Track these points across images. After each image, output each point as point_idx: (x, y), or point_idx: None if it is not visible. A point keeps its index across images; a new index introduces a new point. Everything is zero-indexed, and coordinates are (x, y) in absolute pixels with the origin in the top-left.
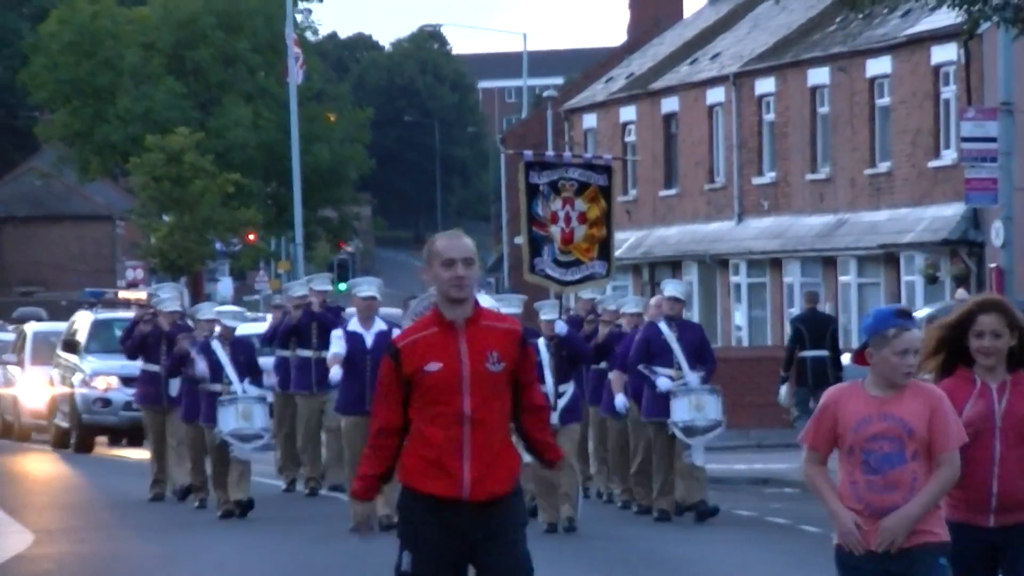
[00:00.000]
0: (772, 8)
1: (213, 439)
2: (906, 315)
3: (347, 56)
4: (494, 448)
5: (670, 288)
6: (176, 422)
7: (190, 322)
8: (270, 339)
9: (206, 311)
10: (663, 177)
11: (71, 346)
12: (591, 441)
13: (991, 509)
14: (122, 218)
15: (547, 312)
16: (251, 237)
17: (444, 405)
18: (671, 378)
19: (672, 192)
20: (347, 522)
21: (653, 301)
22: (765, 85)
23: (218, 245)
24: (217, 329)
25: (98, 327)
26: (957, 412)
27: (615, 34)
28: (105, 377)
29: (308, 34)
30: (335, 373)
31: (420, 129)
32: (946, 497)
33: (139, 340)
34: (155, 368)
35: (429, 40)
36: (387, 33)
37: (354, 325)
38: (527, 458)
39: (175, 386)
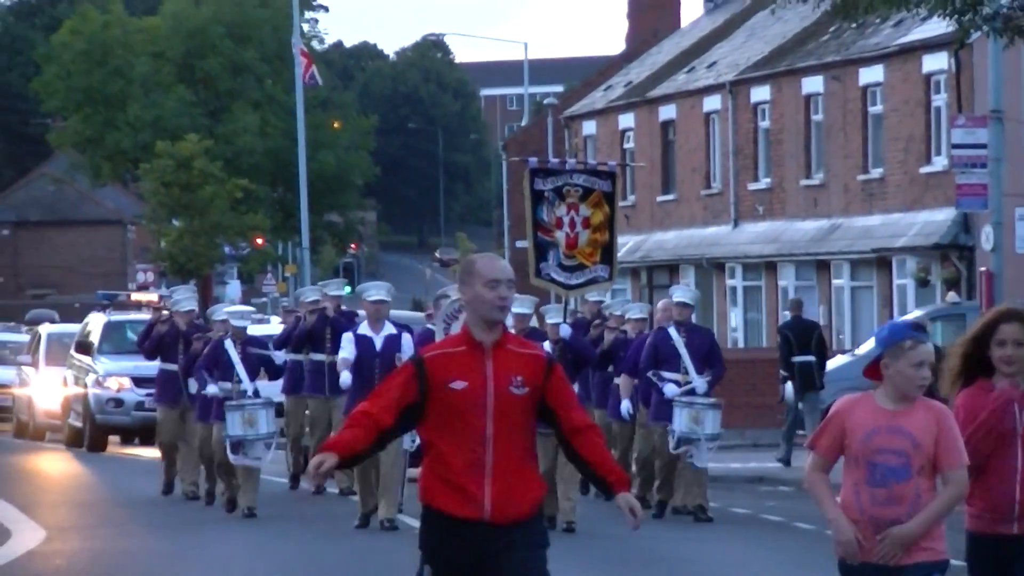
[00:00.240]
0: (767, 18)
1: (222, 436)
2: (921, 329)
3: (352, 65)
4: (515, 471)
5: (679, 294)
6: (192, 423)
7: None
8: (283, 343)
9: (220, 312)
10: (661, 183)
11: (84, 347)
12: None
13: (1014, 517)
14: (133, 223)
15: (552, 316)
16: (259, 241)
17: (466, 425)
18: (678, 383)
19: (670, 197)
20: (353, 521)
21: (661, 305)
22: (760, 93)
23: (227, 249)
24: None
25: (111, 329)
26: (973, 422)
27: (614, 43)
28: (118, 378)
29: (314, 43)
30: (345, 378)
31: (424, 136)
32: (967, 507)
33: (157, 341)
34: (173, 367)
35: (432, 49)
36: (391, 42)
37: (364, 328)
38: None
39: (194, 385)
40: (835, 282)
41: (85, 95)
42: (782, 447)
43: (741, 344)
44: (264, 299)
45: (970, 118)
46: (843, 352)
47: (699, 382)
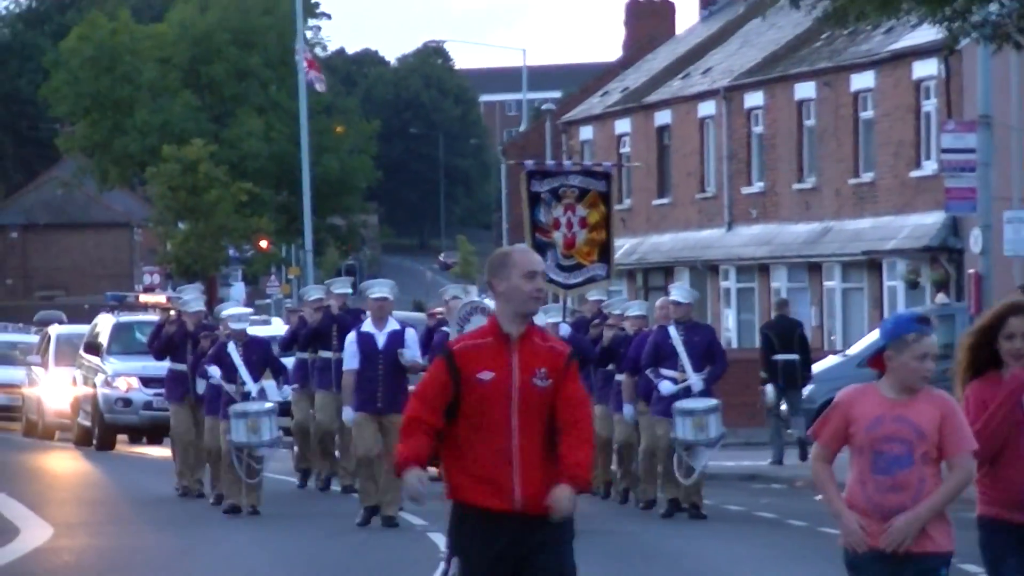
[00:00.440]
0: (761, 25)
1: (226, 436)
2: (926, 321)
3: (355, 71)
4: (541, 462)
5: (674, 292)
6: (201, 415)
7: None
8: (290, 343)
9: (223, 314)
10: (656, 187)
11: (93, 348)
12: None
13: None
14: (140, 225)
15: (551, 315)
16: (263, 244)
17: (492, 416)
18: (675, 380)
19: (665, 201)
20: (355, 518)
21: (659, 304)
22: (754, 99)
23: (231, 251)
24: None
25: (119, 330)
26: (986, 415)
27: (611, 50)
28: (126, 378)
29: (317, 50)
30: (349, 408)
31: (425, 141)
32: (981, 494)
33: (166, 341)
34: (182, 367)
35: (433, 56)
36: (393, 49)
37: (367, 326)
38: None
39: (202, 384)
40: (827, 284)
41: (93, 100)
42: (773, 451)
43: (735, 344)
44: (268, 300)
45: (959, 123)
46: (834, 352)
47: (695, 380)
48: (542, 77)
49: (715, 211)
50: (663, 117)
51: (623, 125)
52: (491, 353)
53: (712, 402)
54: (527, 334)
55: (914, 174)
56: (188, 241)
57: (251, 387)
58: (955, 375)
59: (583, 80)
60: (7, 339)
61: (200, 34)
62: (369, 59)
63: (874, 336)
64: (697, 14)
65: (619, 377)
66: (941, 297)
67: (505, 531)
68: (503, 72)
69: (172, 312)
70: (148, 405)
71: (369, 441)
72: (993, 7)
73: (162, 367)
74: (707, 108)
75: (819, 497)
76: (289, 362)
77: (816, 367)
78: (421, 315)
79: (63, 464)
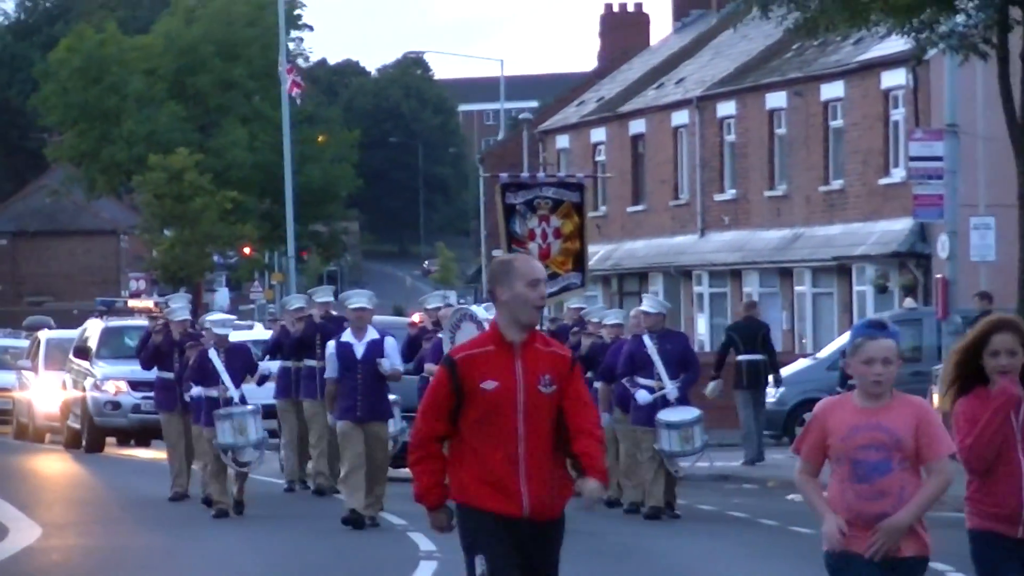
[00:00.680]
0: (733, 36)
1: (213, 440)
2: (876, 326)
3: (336, 81)
4: (549, 468)
5: (645, 303)
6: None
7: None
8: (273, 352)
9: (206, 321)
10: (631, 194)
11: (83, 352)
12: None
13: (1020, 521)
14: (127, 233)
15: None
16: (247, 251)
17: (499, 424)
18: (651, 389)
19: (640, 208)
20: (339, 520)
21: (632, 313)
22: (726, 108)
23: (216, 258)
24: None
25: (108, 334)
26: (974, 428)
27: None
28: (115, 381)
29: (300, 61)
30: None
31: (405, 150)
32: (972, 508)
33: (153, 350)
34: (169, 375)
35: (413, 66)
36: (374, 60)
37: (347, 336)
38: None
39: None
40: (797, 289)
41: (81, 110)
42: (746, 447)
43: (708, 348)
44: (252, 306)
45: (927, 132)
46: (805, 356)
47: (671, 388)
48: (519, 87)
49: (688, 218)
50: (637, 126)
51: (599, 134)
52: (494, 361)
53: (695, 412)
54: (529, 340)
55: (883, 181)
56: (174, 248)
57: (233, 393)
58: (942, 392)
59: (559, 90)
60: None
61: (186, 46)
62: (350, 70)
63: (844, 340)
64: (671, 26)
65: (597, 385)
66: (909, 302)
67: (512, 533)
68: (481, 82)
69: (159, 320)
70: (137, 408)
71: (356, 450)
72: (960, 18)
73: (150, 372)
74: (680, 117)
75: (791, 496)
76: (274, 366)
77: (787, 370)
78: (402, 319)
79: (52, 466)
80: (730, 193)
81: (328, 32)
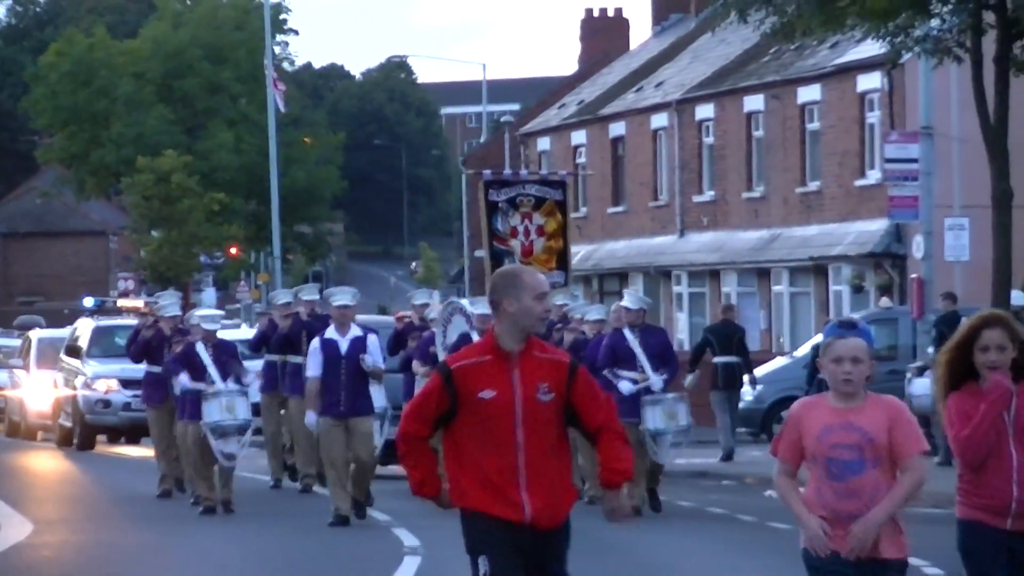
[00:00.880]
0: (711, 41)
1: (198, 435)
2: (846, 325)
3: (321, 85)
4: (550, 476)
5: (625, 299)
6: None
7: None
8: (258, 346)
9: (194, 317)
10: (611, 195)
11: (74, 351)
12: None
13: (1010, 514)
14: (116, 233)
15: None
16: (234, 251)
17: (497, 433)
18: (634, 381)
19: (620, 209)
20: (326, 516)
21: (613, 308)
22: (705, 111)
23: (203, 258)
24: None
25: (99, 333)
26: (967, 423)
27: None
28: (106, 380)
29: (285, 65)
30: (312, 413)
31: (389, 152)
32: (963, 499)
33: (143, 345)
34: (158, 370)
35: (397, 70)
36: (358, 63)
37: (331, 332)
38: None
39: (177, 387)
40: (775, 288)
41: (71, 113)
42: (723, 444)
43: (687, 347)
44: (238, 305)
45: (902, 134)
46: (782, 354)
47: (655, 380)
48: (501, 90)
49: (668, 219)
50: (617, 129)
51: (579, 136)
52: (491, 371)
53: (678, 393)
54: (527, 348)
55: (859, 183)
56: (162, 248)
57: (219, 386)
58: (935, 389)
59: (541, 93)
60: None
61: (173, 50)
62: (335, 73)
63: (820, 339)
64: (650, 30)
65: None
66: (885, 301)
67: (515, 537)
68: (464, 86)
69: (149, 316)
70: (127, 406)
71: (338, 446)
72: (934, 23)
73: (141, 370)
74: (660, 120)
75: (768, 493)
76: (257, 364)
77: (764, 368)
78: (388, 319)
79: (44, 463)
80: (709, 195)
81: (313, 36)
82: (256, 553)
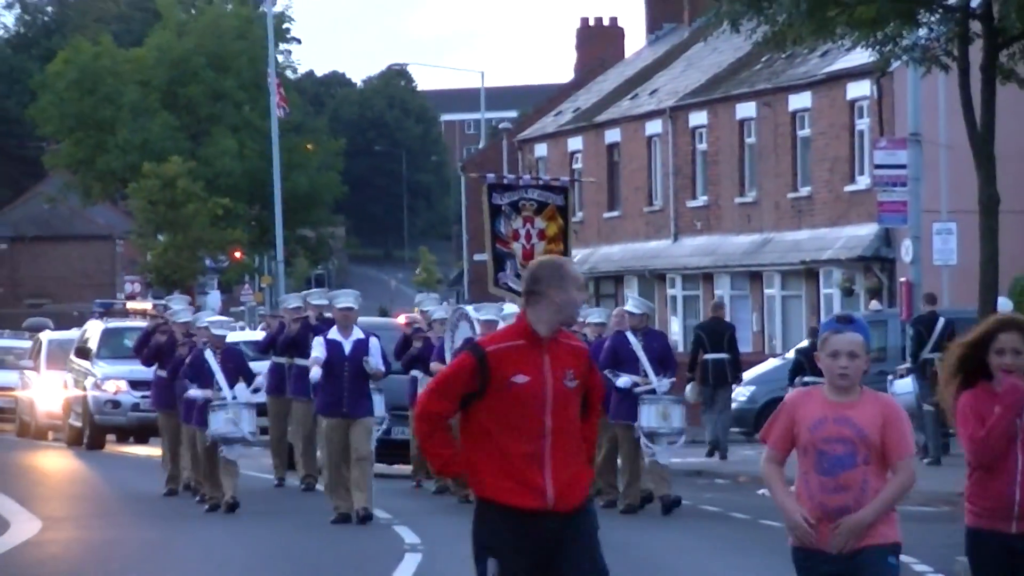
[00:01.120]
0: (704, 49)
1: (204, 440)
2: (843, 320)
3: (323, 92)
4: (571, 460)
5: (629, 304)
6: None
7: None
8: (266, 348)
9: (201, 321)
10: (607, 201)
11: (83, 352)
12: None
13: (1013, 516)
14: (121, 238)
15: (510, 322)
16: (237, 255)
17: (526, 418)
18: (635, 384)
19: (615, 214)
20: (328, 514)
21: (615, 312)
22: (698, 118)
23: (208, 262)
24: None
25: (108, 335)
26: (981, 423)
27: (563, 72)
28: (115, 381)
29: (288, 72)
30: (315, 374)
31: (389, 158)
32: (971, 505)
33: (155, 349)
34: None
35: (397, 78)
36: (359, 71)
37: (333, 333)
38: None
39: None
40: (767, 291)
41: (77, 120)
42: (715, 439)
43: (681, 348)
44: (242, 308)
45: (891, 141)
46: (774, 355)
47: (659, 383)
48: (499, 98)
49: (662, 223)
50: (613, 135)
51: (575, 143)
52: (524, 356)
53: (676, 396)
54: (555, 335)
55: (849, 188)
56: (167, 252)
57: (226, 393)
58: (943, 384)
59: (538, 100)
60: (1, 344)
61: (178, 58)
62: (336, 81)
63: (804, 344)
64: (644, 39)
65: None
66: (875, 304)
67: (537, 528)
68: (462, 93)
69: (159, 320)
70: (136, 407)
71: (339, 447)
72: (922, 32)
73: (149, 371)
74: (654, 127)
75: (762, 491)
76: (264, 366)
77: (757, 369)
78: (389, 320)
79: (53, 462)
80: (702, 200)
81: (315, 45)
82: (259, 550)
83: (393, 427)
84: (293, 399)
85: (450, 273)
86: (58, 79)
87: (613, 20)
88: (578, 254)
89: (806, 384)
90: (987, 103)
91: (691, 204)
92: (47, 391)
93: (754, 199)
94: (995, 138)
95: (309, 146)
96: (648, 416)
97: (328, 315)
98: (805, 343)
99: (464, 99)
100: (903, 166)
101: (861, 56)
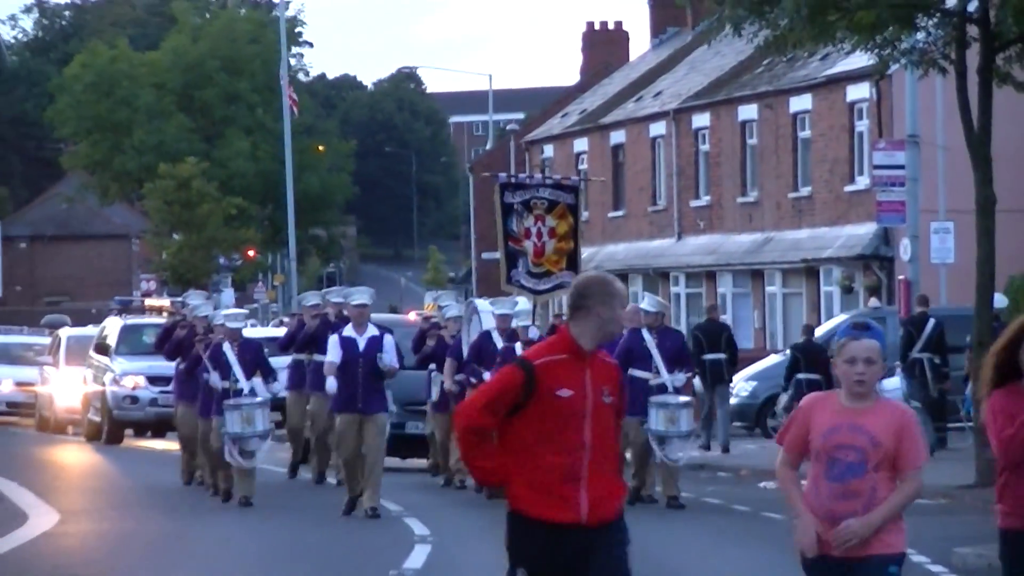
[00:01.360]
0: (707, 52)
1: (219, 436)
2: (860, 327)
3: (334, 95)
4: (606, 474)
5: (644, 302)
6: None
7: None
8: (287, 345)
9: (218, 317)
10: (612, 200)
11: (102, 348)
12: None
13: None
14: (137, 237)
15: (521, 319)
16: (250, 253)
17: (567, 432)
18: (647, 380)
19: (619, 213)
20: (340, 507)
21: (629, 309)
22: (701, 120)
23: (221, 260)
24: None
25: (127, 331)
26: (1011, 421)
27: (569, 75)
28: (133, 376)
29: (300, 75)
30: (331, 385)
31: (398, 159)
32: (1000, 506)
33: (177, 343)
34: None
35: (406, 80)
36: (369, 74)
37: (348, 331)
38: None
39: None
40: (768, 289)
41: (94, 122)
42: (701, 436)
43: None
44: (255, 305)
45: (889, 142)
46: (776, 352)
47: (674, 378)
48: (507, 100)
49: (665, 223)
50: (617, 137)
51: (581, 144)
52: (569, 370)
53: (686, 399)
54: (594, 351)
55: (848, 189)
56: (182, 251)
57: (243, 384)
58: (983, 392)
59: (544, 103)
60: (22, 341)
61: (192, 61)
62: (347, 84)
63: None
64: (648, 42)
65: None
66: (873, 302)
67: (568, 541)
68: (471, 95)
69: (179, 316)
70: (154, 402)
71: (352, 443)
72: (920, 36)
73: (167, 367)
74: (658, 128)
75: (763, 484)
76: (284, 361)
77: (758, 366)
78: (400, 317)
79: (72, 456)
80: (704, 199)
81: (327, 48)
82: (273, 541)
83: (407, 422)
84: (312, 394)
85: (459, 272)
86: (75, 82)
87: (618, 24)
88: (583, 253)
89: (800, 384)
90: (984, 105)
91: (694, 204)
92: (66, 386)
93: (755, 199)
94: (992, 140)
95: (320, 148)
96: (656, 420)
97: (346, 313)
98: (801, 340)
99: (472, 101)
100: (902, 167)
101: (860, 59)
